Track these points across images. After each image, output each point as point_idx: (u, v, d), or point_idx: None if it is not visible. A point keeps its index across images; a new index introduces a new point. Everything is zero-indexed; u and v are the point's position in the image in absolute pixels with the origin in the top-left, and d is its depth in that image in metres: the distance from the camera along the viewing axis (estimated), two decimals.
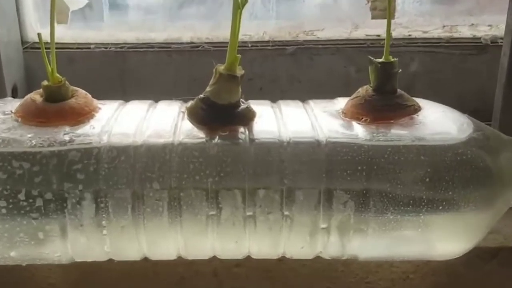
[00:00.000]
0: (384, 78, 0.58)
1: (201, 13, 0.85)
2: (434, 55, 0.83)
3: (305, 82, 0.83)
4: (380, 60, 0.59)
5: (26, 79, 0.82)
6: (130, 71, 0.83)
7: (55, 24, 0.83)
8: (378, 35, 0.84)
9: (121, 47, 0.83)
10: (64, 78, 0.58)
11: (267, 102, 0.65)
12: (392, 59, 0.59)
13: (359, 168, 0.50)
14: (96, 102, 0.60)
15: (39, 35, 0.56)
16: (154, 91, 0.84)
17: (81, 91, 0.60)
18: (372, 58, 0.59)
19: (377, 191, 0.50)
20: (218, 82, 0.56)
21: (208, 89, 0.57)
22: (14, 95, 0.78)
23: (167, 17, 0.85)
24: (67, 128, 0.53)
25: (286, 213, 0.52)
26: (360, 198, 0.50)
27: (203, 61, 0.82)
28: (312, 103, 0.64)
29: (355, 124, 0.56)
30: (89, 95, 0.60)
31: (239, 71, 0.56)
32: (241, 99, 0.58)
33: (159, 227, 0.50)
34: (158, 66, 0.83)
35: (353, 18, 0.84)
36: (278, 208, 0.50)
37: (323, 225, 0.53)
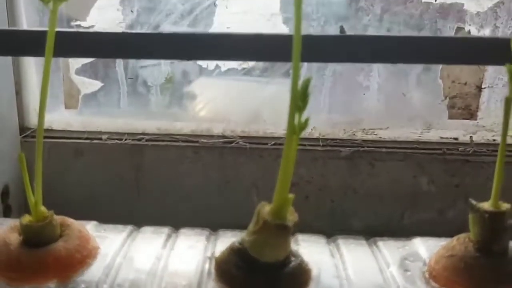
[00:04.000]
0: (492, 233, 0.42)
1: (235, 99, 0.70)
2: None
3: (363, 193, 0.67)
4: (487, 207, 0.42)
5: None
6: (147, 170, 0.68)
7: (63, 109, 0.71)
8: (456, 139, 0.67)
9: (139, 139, 0.68)
10: (51, 213, 0.43)
11: (322, 240, 0.49)
12: (503, 207, 0.42)
13: None
14: (93, 240, 0.45)
15: (20, 157, 0.41)
16: (176, 196, 0.68)
17: (74, 227, 0.45)
18: (474, 202, 0.43)
19: None
20: (261, 232, 0.40)
21: (246, 237, 0.41)
22: (4, 199, 0.63)
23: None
24: None
25: None
26: None
27: (237, 161, 0.67)
28: (382, 245, 0.48)
29: None
30: (84, 231, 0.45)
31: (291, 216, 0.40)
32: (291, 252, 0.42)
33: None
34: (182, 165, 0.68)
35: (425, 116, 0.67)
36: None
37: None
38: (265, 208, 0.41)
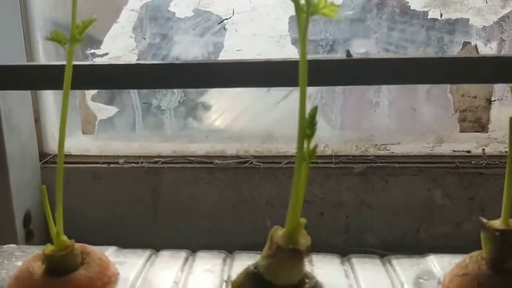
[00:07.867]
0: (504, 251, 0.42)
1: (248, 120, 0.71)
2: None
3: (377, 208, 0.68)
4: (498, 225, 0.43)
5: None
6: (164, 191, 0.70)
7: (80, 135, 0.73)
8: (469, 151, 0.68)
9: (155, 162, 0.70)
10: (72, 242, 0.44)
11: (336, 259, 0.50)
12: None
13: None
14: (113, 267, 0.46)
15: (42, 189, 0.43)
16: (192, 216, 0.70)
17: (95, 254, 0.46)
18: (485, 221, 0.43)
19: None
20: (275, 256, 0.41)
21: (261, 261, 0.42)
22: (26, 225, 0.65)
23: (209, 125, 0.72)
24: None
25: None
26: None
27: (251, 181, 0.68)
28: (396, 263, 0.48)
29: None
30: (104, 258, 0.47)
31: (304, 240, 0.41)
32: (305, 274, 0.43)
33: None
34: (198, 186, 0.69)
35: (436, 130, 0.68)
36: None
37: None
38: (278, 233, 0.42)
